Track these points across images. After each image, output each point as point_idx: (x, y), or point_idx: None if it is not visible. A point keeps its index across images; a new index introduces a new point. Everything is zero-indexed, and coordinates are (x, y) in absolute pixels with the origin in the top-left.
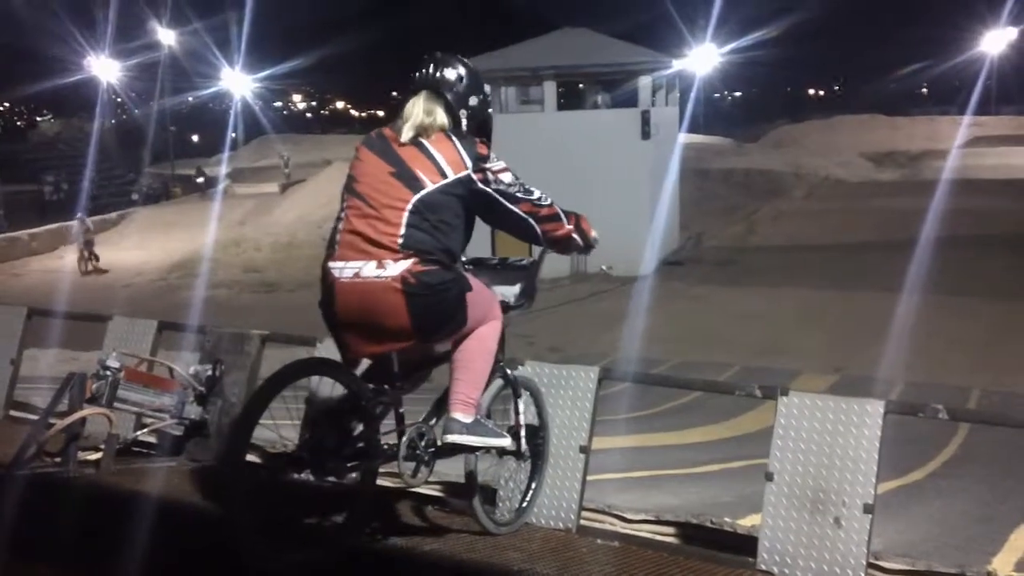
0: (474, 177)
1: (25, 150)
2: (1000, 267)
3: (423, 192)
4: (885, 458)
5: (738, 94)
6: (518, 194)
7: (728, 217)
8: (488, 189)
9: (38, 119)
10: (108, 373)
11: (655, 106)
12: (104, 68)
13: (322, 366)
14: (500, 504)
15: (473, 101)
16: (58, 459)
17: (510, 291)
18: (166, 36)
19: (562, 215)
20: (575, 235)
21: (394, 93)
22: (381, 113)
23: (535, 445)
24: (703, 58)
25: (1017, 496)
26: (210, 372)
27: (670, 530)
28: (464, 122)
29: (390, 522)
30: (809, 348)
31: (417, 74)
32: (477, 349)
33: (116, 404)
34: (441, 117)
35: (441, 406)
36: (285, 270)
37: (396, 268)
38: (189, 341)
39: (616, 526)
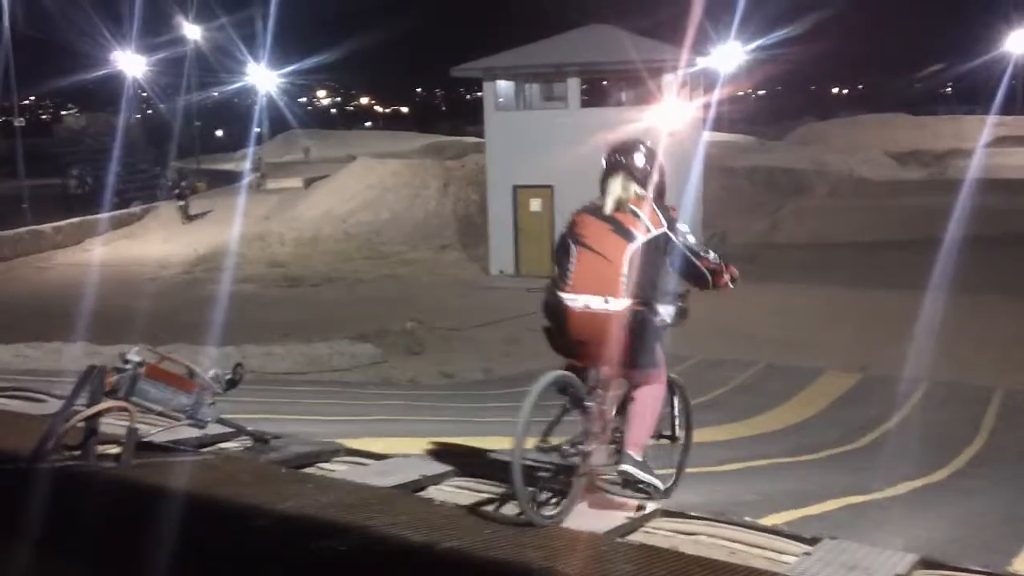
0: (669, 234)
1: (50, 144)
2: None
3: (636, 241)
4: (910, 455)
5: (763, 92)
6: (701, 252)
7: (752, 214)
8: (678, 242)
9: (63, 113)
10: (128, 367)
11: (680, 103)
12: (130, 63)
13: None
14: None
15: (654, 176)
16: (77, 452)
17: (667, 311)
18: (192, 31)
19: (723, 268)
20: (730, 283)
21: (418, 90)
22: (405, 109)
23: (686, 431)
24: (728, 56)
25: None
26: (230, 376)
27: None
28: (650, 190)
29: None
30: (833, 345)
31: (610, 158)
32: (651, 403)
33: (133, 399)
34: (632, 191)
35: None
36: (309, 265)
37: (619, 304)
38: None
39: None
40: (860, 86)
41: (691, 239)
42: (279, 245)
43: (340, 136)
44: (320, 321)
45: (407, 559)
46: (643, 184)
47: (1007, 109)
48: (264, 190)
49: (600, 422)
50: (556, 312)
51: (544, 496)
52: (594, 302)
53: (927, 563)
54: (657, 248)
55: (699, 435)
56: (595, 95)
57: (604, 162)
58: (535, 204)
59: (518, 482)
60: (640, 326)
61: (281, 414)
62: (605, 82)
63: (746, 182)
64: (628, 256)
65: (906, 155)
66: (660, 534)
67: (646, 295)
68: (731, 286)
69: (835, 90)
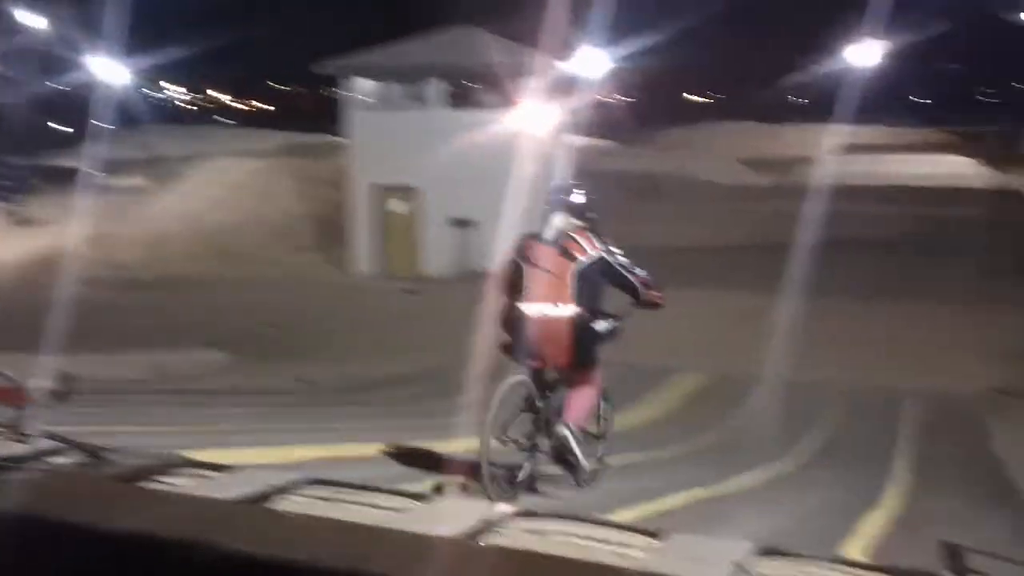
0: (606, 256)
1: None
2: (871, 269)
3: (579, 267)
4: (754, 451)
5: (625, 98)
6: (633, 270)
7: (614, 218)
8: (613, 262)
9: None
10: None
11: (543, 107)
12: None
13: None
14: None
15: (589, 214)
16: None
17: (603, 327)
18: (33, 21)
19: (652, 282)
20: (659, 301)
21: (277, 86)
22: (263, 106)
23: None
24: (591, 61)
25: (868, 486)
26: (59, 386)
27: None
28: (585, 223)
29: None
30: (686, 345)
31: (553, 197)
32: (588, 395)
33: None
34: (571, 223)
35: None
36: (156, 267)
37: (567, 310)
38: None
39: None
40: (718, 94)
41: (623, 259)
42: (124, 246)
43: (193, 132)
44: (167, 327)
45: (251, 574)
46: (580, 217)
47: (852, 119)
48: (109, 188)
49: (547, 420)
50: (517, 321)
51: (502, 479)
52: (547, 308)
53: (765, 551)
54: (596, 269)
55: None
56: (459, 97)
57: (548, 199)
58: (399, 205)
59: (485, 467)
60: (584, 329)
61: (122, 425)
62: (470, 84)
63: (608, 187)
64: (572, 274)
65: (757, 162)
66: (513, 535)
67: (588, 307)
68: (660, 301)
69: (694, 97)
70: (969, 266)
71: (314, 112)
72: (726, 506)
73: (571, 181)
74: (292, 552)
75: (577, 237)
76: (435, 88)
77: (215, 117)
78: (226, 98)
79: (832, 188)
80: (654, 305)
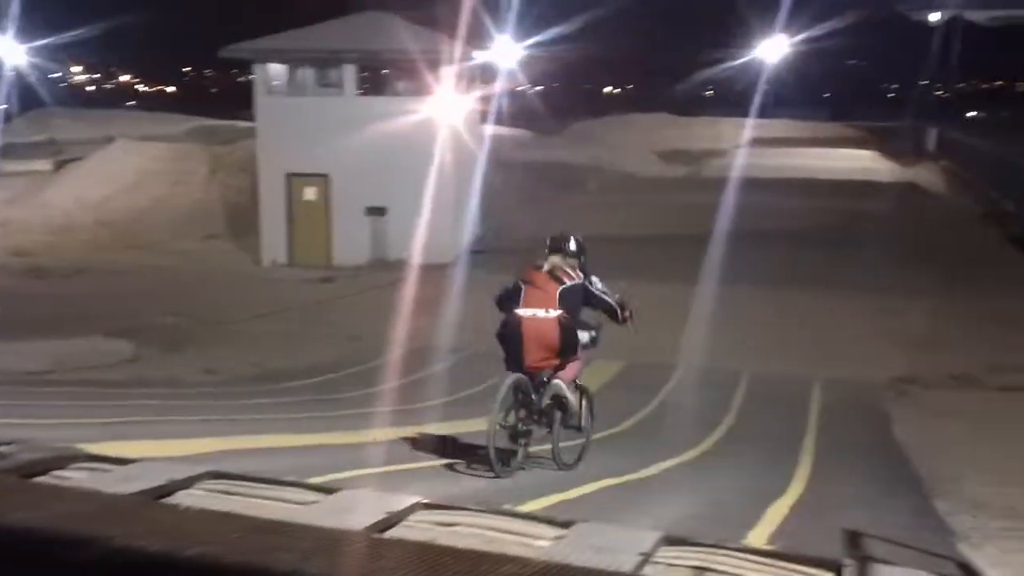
0: (586, 283)
1: None
2: (782, 259)
3: (564, 288)
4: (664, 438)
5: (540, 88)
6: (610, 294)
7: (529, 208)
8: (594, 289)
9: None
10: None
11: (458, 96)
12: None
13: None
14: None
15: (581, 258)
16: None
17: (582, 336)
18: None
19: (625, 303)
20: (632, 321)
21: (186, 69)
22: (171, 89)
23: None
24: (507, 51)
25: (776, 472)
26: None
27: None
28: (577, 263)
29: None
30: (606, 334)
31: (552, 243)
32: (573, 366)
33: None
34: (564, 261)
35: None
36: (59, 255)
37: (554, 313)
38: None
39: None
40: (630, 86)
41: (601, 285)
42: (25, 233)
43: (98, 116)
44: (71, 316)
45: (147, 569)
46: (571, 257)
47: (760, 113)
48: (8, 173)
49: (539, 410)
50: (513, 325)
51: (504, 459)
52: (538, 312)
53: (670, 540)
54: (576, 292)
55: (468, 427)
56: (373, 83)
57: (548, 242)
58: (309, 193)
59: (492, 449)
60: (567, 329)
61: (20, 418)
62: (384, 71)
63: (524, 176)
64: (558, 292)
65: (670, 154)
66: (419, 527)
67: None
68: (634, 321)
69: (607, 89)
70: (876, 257)
71: (225, 97)
72: (633, 494)
73: (566, 233)
74: (190, 547)
75: (567, 268)
76: (348, 74)
77: (123, 101)
78: (135, 82)
79: (743, 180)
80: (628, 321)
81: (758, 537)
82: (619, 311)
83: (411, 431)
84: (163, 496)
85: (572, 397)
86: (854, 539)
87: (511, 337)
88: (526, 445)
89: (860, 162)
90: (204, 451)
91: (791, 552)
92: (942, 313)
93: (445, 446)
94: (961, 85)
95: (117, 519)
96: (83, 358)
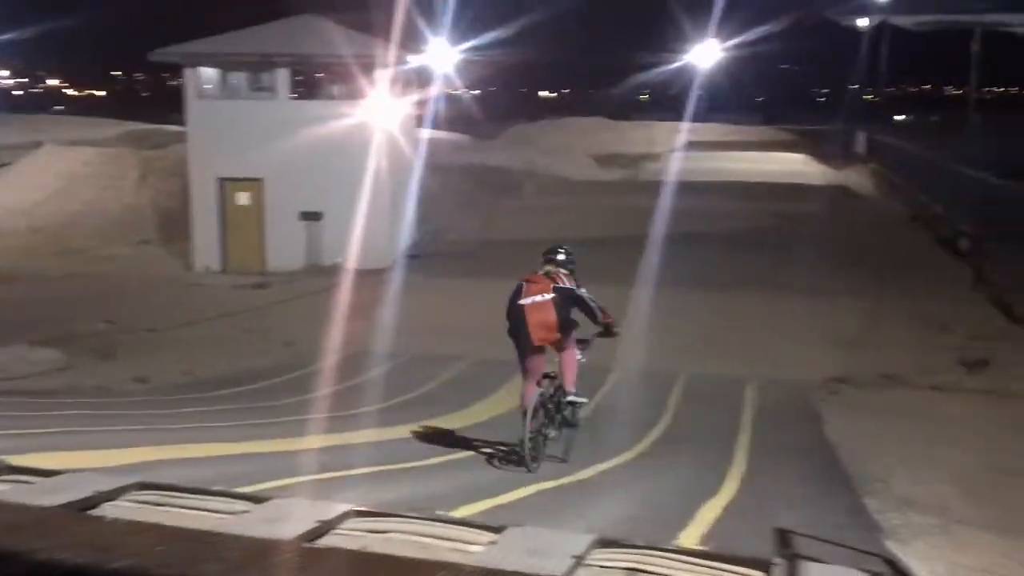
0: (574, 288)
1: None
2: (718, 261)
3: (556, 286)
4: (601, 439)
5: (476, 92)
6: (593, 300)
7: (466, 212)
8: (580, 294)
9: None
10: None
11: (392, 100)
12: None
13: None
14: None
15: (571, 266)
16: None
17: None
18: None
19: (607, 311)
20: (614, 327)
21: (116, 73)
22: (101, 93)
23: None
24: (442, 55)
25: (710, 473)
26: None
27: None
28: (568, 271)
29: None
30: None
31: (546, 256)
32: (571, 359)
33: None
34: (556, 269)
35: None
36: None
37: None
38: None
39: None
40: (566, 90)
41: (586, 294)
42: None
43: (26, 120)
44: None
45: None
46: (562, 266)
47: (695, 117)
48: None
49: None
50: (517, 314)
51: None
52: (536, 298)
53: (603, 542)
54: (567, 295)
55: (402, 432)
56: (306, 87)
57: (543, 255)
58: (243, 198)
59: (527, 449)
60: (561, 307)
61: None
62: (317, 74)
63: (460, 180)
64: (552, 290)
65: (606, 158)
66: (352, 535)
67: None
68: (615, 328)
69: (543, 93)
70: (810, 259)
71: (157, 101)
72: (569, 496)
73: (555, 245)
74: (115, 560)
75: (560, 273)
76: (281, 78)
77: (51, 105)
78: (64, 86)
79: (679, 184)
80: (609, 328)
81: (690, 537)
82: (598, 314)
83: (346, 437)
84: (89, 508)
85: (578, 398)
86: (785, 538)
87: (517, 325)
88: (544, 443)
89: (792, 165)
90: (134, 461)
91: (722, 552)
92: (873, 314)
93: (380, 452)
94: (890, 89)
95: (42, 532)
96: (11, 367)
